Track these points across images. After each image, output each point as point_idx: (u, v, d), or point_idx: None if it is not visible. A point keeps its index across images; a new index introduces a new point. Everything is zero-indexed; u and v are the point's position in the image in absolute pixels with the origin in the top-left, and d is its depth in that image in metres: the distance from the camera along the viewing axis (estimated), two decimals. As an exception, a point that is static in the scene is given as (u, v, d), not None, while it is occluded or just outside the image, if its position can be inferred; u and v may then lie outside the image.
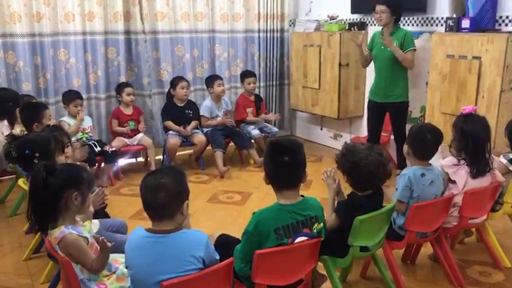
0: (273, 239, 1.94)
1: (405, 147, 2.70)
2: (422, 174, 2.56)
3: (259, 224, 1.94)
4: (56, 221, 1.95)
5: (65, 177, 1.96)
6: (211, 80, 4.98)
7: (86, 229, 2.06)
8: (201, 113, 4.94)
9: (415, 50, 4.11)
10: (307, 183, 3.63)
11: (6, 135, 3.39)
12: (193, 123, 4.88)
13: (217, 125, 4.93)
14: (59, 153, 2.72)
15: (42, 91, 4.53)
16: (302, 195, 2.09)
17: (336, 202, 2.43)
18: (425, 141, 2.61)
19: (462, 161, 2.69)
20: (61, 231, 1.91)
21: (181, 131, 4.73)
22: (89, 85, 4.77)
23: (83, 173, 2.05)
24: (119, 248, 1.96)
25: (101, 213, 2.66)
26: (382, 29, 4.22)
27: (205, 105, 4.96)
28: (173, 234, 1.74)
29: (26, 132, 3.30)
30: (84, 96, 4.58)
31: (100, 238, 1.90)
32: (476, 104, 3.62)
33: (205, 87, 5.12)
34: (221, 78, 5.05)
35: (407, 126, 4.54)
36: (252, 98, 5.27)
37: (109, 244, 1.90)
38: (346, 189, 2.48)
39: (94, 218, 2.43)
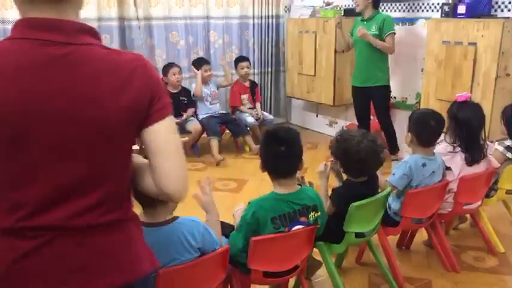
0: (270, 228, 1.95)
1: (408, 136, 2.63)
2: (424, 164, 2.54)
3: (256, 213, 1.95)
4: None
5: None
6: (200, 64, 4.92)
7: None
8: (192, 92, 4.88)
9: (394, 33, 4.10)
10: (303, 170, 3.65)
11: None
12: (190, 110, 4.85)
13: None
14: None
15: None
16: (299, 184, 2.09)
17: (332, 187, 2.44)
18: (430, 128, 2.56)
19: (457, 148, 2.70)
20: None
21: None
22: (82, 72, 4.73)
23: None
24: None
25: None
26: (361, 15, 4.23)
27: (195, 86, 4.91)
28: (167, 226, 1.70)
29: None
30: (77, 83, 4.53)
31: None
32: (471, 91, 3.62)
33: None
34: (208, 63, 5.00)
35: (402, 113, 4.56)
36: (247, 84, 5.24)
37: None
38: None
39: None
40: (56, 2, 0.99)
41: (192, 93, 4.90)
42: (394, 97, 4.69)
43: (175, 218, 1.74)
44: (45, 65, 0.97)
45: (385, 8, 4.67)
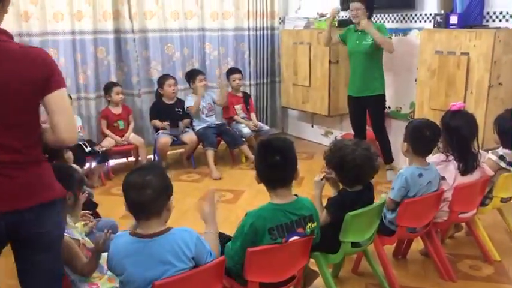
0: (268, 238, 1.95)
1: (404, 145, 2.65)
2: (420, 175, 2.54)
3: (255, 224, 1.94)
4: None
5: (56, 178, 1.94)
6: (194, 75, 4.94)
7: (77, 231, 2.05)
8: (186, 106, 4.87)
9: (390, 38, 4.15)
10: (299, 180, 3.66)
11: None
12: (186, 120, 4.86)
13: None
14: (66, 149, 2.88)
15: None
16: (296, 195, 2.09)
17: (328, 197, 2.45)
18: (425, 138, 2.58)
19: (450, 157, 2.71)
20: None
21: (167, 127, 4.70)
22: (78, 85, 4.73)
23: (73, 173, 2.04)
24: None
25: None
26: (354, 25, 4.28)
27: (189, 99, 4.91)
28: (161, 237, 1.71)
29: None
30: (73, 96, 4.54)
31: (100, 242, 1.87)
32: (465, 100, 3.65)
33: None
34: (203, 74, 5.02)
35: (397, 122, 4.60)
36: (240, 94, 5.26)
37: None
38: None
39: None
40: None
41: (186, 107, 4.90)
42: (389, 107, 4.72)
43: (169, 229, 1.75)
44: None
45: (378, 18, 4.72)
